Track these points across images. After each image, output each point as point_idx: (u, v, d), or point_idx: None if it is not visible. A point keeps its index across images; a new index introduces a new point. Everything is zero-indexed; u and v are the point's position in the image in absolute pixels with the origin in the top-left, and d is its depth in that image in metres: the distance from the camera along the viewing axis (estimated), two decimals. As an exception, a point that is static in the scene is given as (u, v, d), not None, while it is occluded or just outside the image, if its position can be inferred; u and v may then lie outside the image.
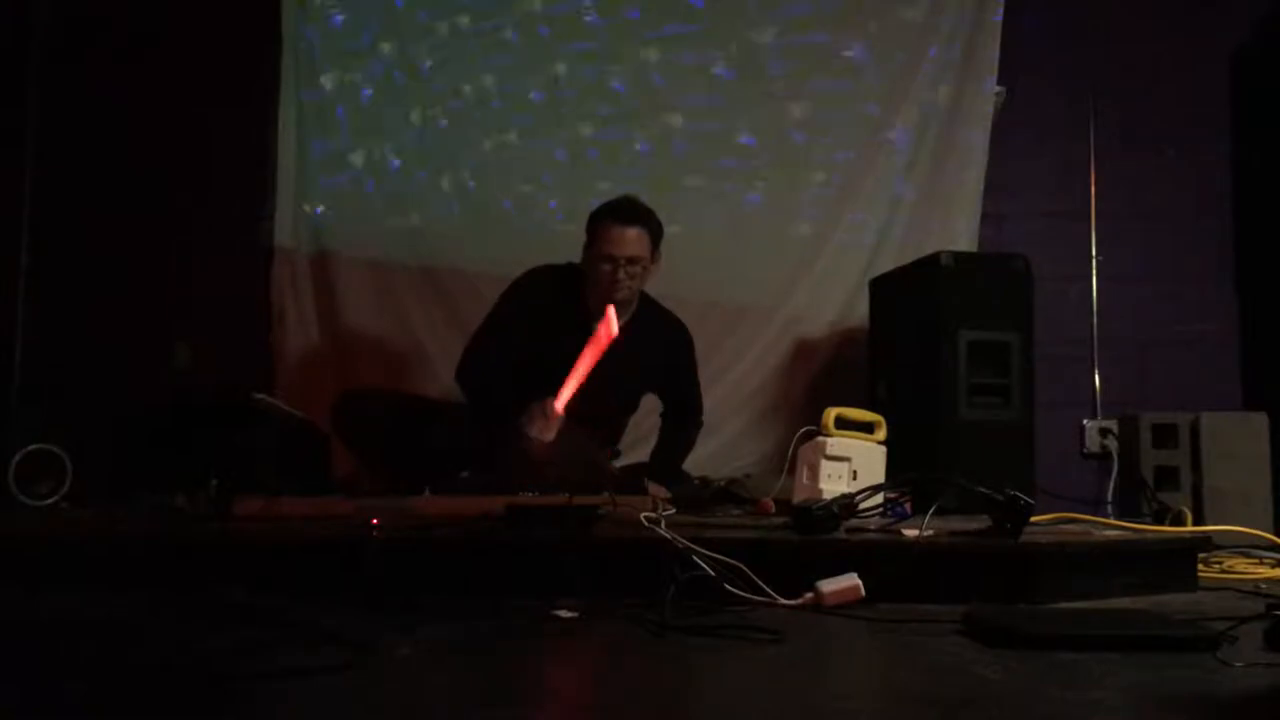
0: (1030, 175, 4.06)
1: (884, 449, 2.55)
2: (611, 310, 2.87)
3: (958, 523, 2.20)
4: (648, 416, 3.38)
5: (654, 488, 2.84)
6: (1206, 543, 2.37)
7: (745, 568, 1.83)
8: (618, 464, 3.27)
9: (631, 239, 3.00)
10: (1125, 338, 3.97)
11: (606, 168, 3.97)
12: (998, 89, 3.94)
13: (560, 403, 2.84)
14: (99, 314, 3.77)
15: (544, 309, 3.09)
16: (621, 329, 2.99)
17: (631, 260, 3.00)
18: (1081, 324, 3.97)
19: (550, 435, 2.84)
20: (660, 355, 3.16)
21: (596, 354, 2.84)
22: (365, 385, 3.62)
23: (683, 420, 3.31)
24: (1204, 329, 3.99)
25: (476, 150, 3.99)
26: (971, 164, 3.94)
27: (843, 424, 2.54)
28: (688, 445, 3.31)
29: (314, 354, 3.88)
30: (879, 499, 2.31)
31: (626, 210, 3.04)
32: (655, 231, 3.07)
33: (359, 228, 3.97)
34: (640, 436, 3.42)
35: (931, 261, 3.18)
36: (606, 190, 3.92)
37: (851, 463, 2.48)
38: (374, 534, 2.04)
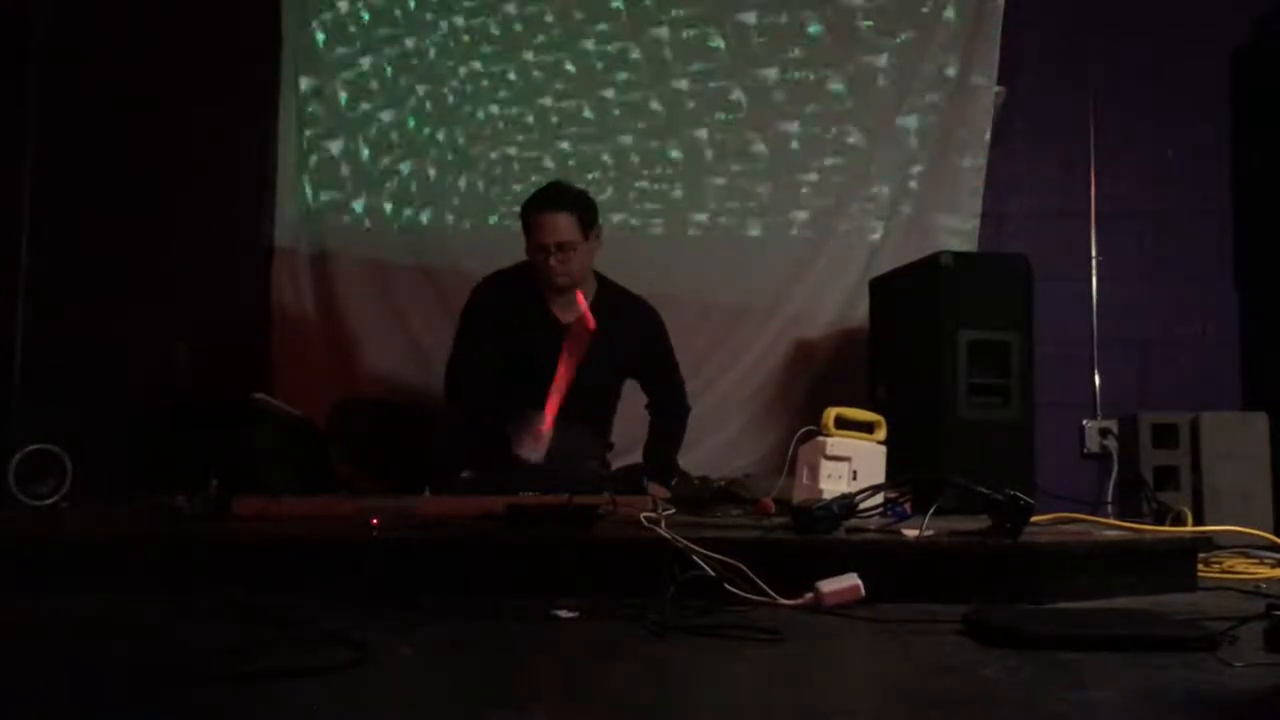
0: (1030, 175, 4.07)
1: (884, 449, 2.54)
2: (581, 298, 2.88)
3: (957, 523, 2.20)
4: (642, 423, 3.36)
5: (654, 488, 2.84)
6: (1206, 543, 2.37)
7: (745, 568, 1.83)
8: (615, 462, 3.26)
9: (559, 225, 3.01)
10: (1125, 338, 3.97)
11: (603, 169, 3.97)
12: (997, 89, 3.94)
13: (548, 420, 2.85)
14: (99, 314, 3.77)
15: (508, 313, 3.12)
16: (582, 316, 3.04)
17: (561, 246, 3.01)
18: (1081, 324, 3.97)
19: (541, 455, 2.85)
20: (630, 340, 3.15)
21: (576, 353, 2.85)
22: (356, 395, 3.60)
23: (667, 405, 3.29)
24: (1204, 329, 3.99)
25: (477, 151, 4.00)
26: (971, 164, 3.94)
27: (843, 424, 2.54)
28: (678, 432, 3.29)
29: (314, 354, 3.88)
30: (879, 499, 2.31)
31: (552, 197, 3.06)
32: (584, 212, 3.07)
33: (359, 228, 3.98)
34: (638, 439, 3.41)
35: (931, 261, 3.18)
36: (604, 191, 3.95)
37: (851, 463, 2.48)
38: (374, 534, 2.05)
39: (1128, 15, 4.04)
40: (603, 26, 4.03)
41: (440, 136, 4.00)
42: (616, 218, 3.96)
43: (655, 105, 4.01)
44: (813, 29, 4.02)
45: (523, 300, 3.11)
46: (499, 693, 1.32)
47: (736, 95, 4.01)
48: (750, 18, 4.03)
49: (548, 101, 4.01)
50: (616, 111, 4.01)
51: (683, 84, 4.02)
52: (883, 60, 4.01)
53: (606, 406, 3.25)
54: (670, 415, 3.29)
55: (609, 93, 4.01)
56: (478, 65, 4.02)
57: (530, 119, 4.01)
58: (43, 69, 3.81)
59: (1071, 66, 4.03)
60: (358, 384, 3.80)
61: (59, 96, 3.82)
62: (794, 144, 4.01)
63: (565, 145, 4.01)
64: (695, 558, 1.83)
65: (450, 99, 4.01)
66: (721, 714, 1.27)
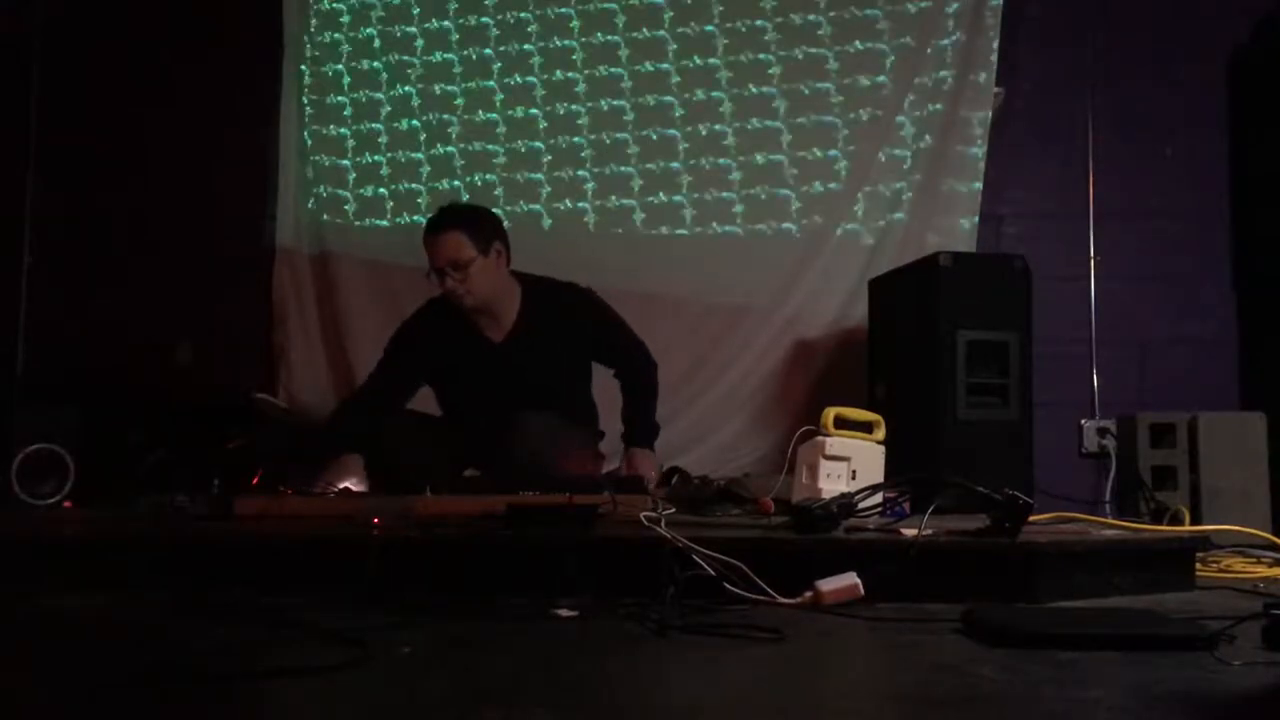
0: (1030, 175, 4.06)
1: (883, 449, 2.55)
2: None
3: (956, 522, 2.21)
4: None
5: (641, 455, 2.84)
6: (1204, 542, 2.37)
7: (745, 567, 1.84)
8: (607, 464, 3.26)
9: (447, 244, 2.98)
10: (1124, 338, 3.97)
11: (603, 170, 3.98)
12: (996, 89, 3.94)
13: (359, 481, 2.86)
14: (99, 313, 3.78)
15: (438, 343, 3.11)
16: (515, 322, 3.08)
17: (455, 265, 2.97)
18: (1080, 324, 3.97)
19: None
20: (566, 329, 3.12)
21: None
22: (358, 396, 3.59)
23: (629, 365, 3.25)
24: (1202, 329, 3.99)
25: (476, 151, 4.00)
26: (970, 164, 3.94)
27: (842, 424, 2.54)
28: (646, 384, 3.24)
29: (315, 354, 3.89)
30: (878, 498, 2.32)
31: (436, 218, 3.04)
32: (476, 228, 3.01)
33: (360, 228, 3.98)
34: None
35: (930, 261, 3.18)
36: (600, 192, 3.96)
37: (851, 462, 2.48)
38: (375, 533, 2.05)
39: (1127, 15, 4.05)
40: (608, 27, 4.02)
41: (440, 137, 4.00)
42: (615, 218, 3.96)
43: (656, 106, 4.01)
44: (814, 31, 4.02)
45: (450, 327, 3.09)
46: (499, 692, 1.32)
47: (737, 96, 4.01)
48: (753, 20, 4.03)
49: (549, 101, 4.01)
50: (617, 112, 4.01)
51: (683, 84, 4.02)
52: (882, 60, 4.01)
53: (572, 395, 3.21)
54: (635, 371, 3.24)
55: (610, 93, 4.01)
56: (478, 67, 4.02)
57: (531, 119, 4.01)
58: (44, 69, 3.82)
59: (1071, 66, 4.04)
60: (358, 384, 3.79)
61: (60, 96, 3.83)
62: (793, 145, 4.01)
63: (566, 146, 4.01)
64: (695, 557, 1.83)
65: (451, 100, 4.01)
66: (721, 713, 1.27)
